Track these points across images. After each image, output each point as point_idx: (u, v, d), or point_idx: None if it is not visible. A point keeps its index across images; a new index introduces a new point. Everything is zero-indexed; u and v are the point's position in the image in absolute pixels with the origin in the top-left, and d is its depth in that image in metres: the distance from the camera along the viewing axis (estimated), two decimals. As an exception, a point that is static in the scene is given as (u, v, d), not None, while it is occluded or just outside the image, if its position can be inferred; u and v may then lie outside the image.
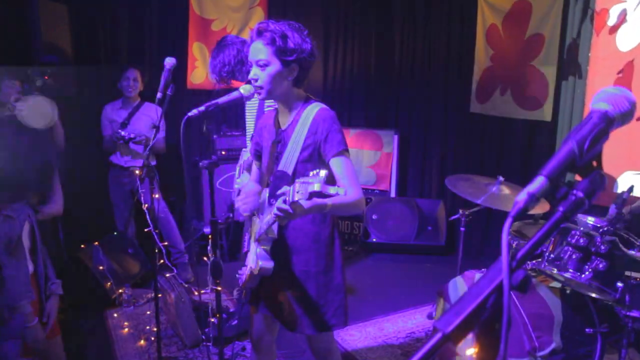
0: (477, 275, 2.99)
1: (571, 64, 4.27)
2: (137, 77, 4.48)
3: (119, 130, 4.32)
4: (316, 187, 1.65)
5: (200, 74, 5.43)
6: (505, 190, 3.45)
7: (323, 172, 1.68)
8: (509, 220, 0.80)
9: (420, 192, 6.00)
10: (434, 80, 5.80)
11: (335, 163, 2.13)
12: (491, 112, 5.13)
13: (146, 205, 2.98)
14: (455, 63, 5.55)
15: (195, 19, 5.33)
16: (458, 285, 3.09)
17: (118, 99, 4.56)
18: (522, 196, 0.82)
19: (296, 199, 1.72)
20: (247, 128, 4.19)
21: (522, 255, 0.78)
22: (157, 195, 3.03)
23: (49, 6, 4.17)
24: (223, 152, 5.19)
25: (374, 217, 5.50)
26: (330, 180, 2.16)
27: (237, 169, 4.61)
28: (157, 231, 2.96)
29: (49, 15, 4.13)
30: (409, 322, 4.10)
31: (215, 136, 5.21)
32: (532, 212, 2.96)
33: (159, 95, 3.02)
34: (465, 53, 5.40)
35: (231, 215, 4.82)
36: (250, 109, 3.67)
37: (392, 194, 5.88)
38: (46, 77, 3.90)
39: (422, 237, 5.43)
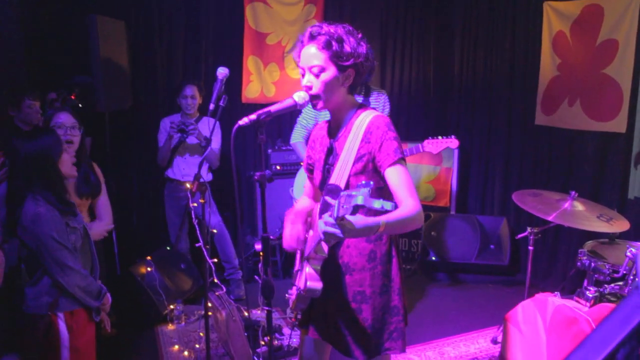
0: (551, 299, 2.73)
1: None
2: (195, 93, 4.46)
3: (184, 121, 4.30)
4: (359, 200, 1.47)
5: (255, 88, 5.37)
6: (579, 206, 3.19)
7: (367, 186, 1.51)
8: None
9: (482, 209, 5.72)
10: (496, 91, 5.54)
11: (391, 173, 1.95)
12: (558, 124, 4.84)
13: (197, 220, 2.90)
14: (518, 73, 5.29)
15: (251, 33, 5.29)
16: (529, 311, 2.84)
17: (177, 113, 4.55)
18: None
19: (341, 214, 1.55)
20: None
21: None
22: (208, 209, 2.94)
23: (106, 22, 4.21)
24: (278, 167, 5.10)
25: (433, 234, 5.27)
26: (386, 192, 2.00)
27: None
28: (207, 247, 2.88)
29: (106, 31, 4.17)
30: (472, 346, 3.85)
31: (270, 150, 5.14)
32: (608, 231, 2.68)
33: (211, 106, 2.96)
34: (529, 62, 5.14)
35: (285, 230, 4.71)
36: None
37: (452, 211, 5.63)
38: (73, 97, 3.96)
39: (483, 256, 5.15)
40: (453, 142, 4.14)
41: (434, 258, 5.20)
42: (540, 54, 4.97)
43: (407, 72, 6.01)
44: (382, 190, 2.01)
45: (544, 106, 4.97)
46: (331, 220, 1.61)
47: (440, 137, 4.13)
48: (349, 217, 1.58)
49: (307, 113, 4.13)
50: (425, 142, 4.13)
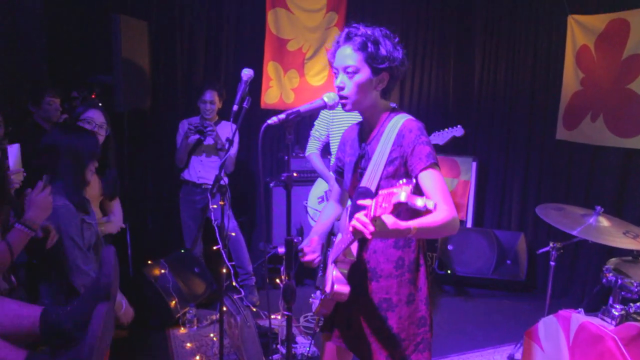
0: (575, 315, 2.66)
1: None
2: (215, 99, 4.42)
3: (205, 122, 4.30)
4: (402, 197, 1.43)
5: (274, 93, 5.35)
6: (604, 222, 3.12)
7: (410, 184, 1.47)
8: None
9: (499, 223, 5.64)
10: (516, 105, 5.48)
11: (424, 178, 1.90)
12: (580, 139, 4.77)
13: (216, 221, 2.86)
14: (540, 87, 5.23)
15: (272, 39, 5.27)
16: (551, 327, 2.77)
17: (196, 116, 4.52)
18: None
19: (378, 213, 1.51)
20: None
21: None
22: (228, 212, 2.90)
23: (129, 22, 4.21)
24: (295, 174, 5.05)
25: (449, 247, 5.20)
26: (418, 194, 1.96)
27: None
28: (225, 250, 2.83)
29: (129, 30, 4.17)
30: (488, 363, 3.78)
31: (286, 157, 5.07)
32: (635, 248, 2.60)
33: (234, 107, 2.93)
34: (551, 76, 5.08)
35: (301, 239, 4.65)
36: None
37: (469, 224, 5.57)
38: (93, 96, 4.00)
39: (500, 271, 5.07)
40: (458, 131, 4.13)
41: (449, 271, 5.13)
42: (562, 68, 4.90)
43: (427, 83, 5.98)
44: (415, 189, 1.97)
45: (565, 121, 4.90)
46: (365, 219, 1.57)
47: (446, 129, 4.13)
48: (383, 216, 1.54)
49: (320, 124, 4.12)
50: (432, 135, 4.12)
